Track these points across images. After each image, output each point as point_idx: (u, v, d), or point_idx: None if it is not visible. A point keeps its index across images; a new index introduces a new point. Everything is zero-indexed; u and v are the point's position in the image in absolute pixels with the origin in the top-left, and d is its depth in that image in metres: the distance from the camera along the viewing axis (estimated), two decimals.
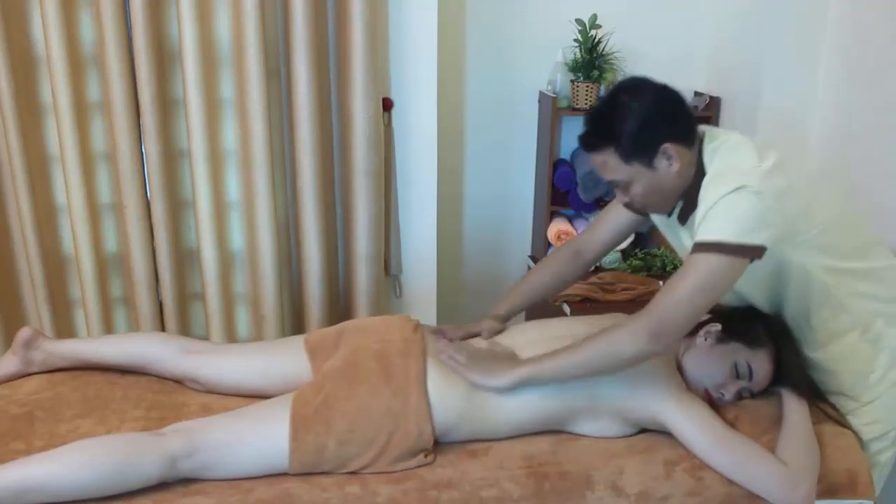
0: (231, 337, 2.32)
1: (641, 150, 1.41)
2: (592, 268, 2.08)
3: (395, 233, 2.39)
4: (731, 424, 1.48)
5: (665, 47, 2.84)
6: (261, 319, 2.27)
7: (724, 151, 1.43)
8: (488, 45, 2.81)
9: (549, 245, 2.80)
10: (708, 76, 2.85)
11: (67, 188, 2.10)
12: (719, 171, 1.40)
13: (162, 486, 1.35)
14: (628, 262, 2.80)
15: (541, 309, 1.91)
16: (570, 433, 1.53)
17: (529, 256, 3.03)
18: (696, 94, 2.77)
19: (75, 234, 2.15)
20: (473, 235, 3.04)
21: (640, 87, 1.44)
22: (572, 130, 2.86)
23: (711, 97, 2.74)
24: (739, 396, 1.55)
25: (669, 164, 1.42)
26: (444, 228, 2.77)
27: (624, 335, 1.37)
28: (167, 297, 2.24)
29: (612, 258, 2.79)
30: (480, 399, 1.48)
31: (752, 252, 1.33)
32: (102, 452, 1.32)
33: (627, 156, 1.41)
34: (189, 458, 1.35)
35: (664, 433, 1.49)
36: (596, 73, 2.66)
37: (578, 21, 2.63)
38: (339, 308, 2.41)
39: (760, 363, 1.53)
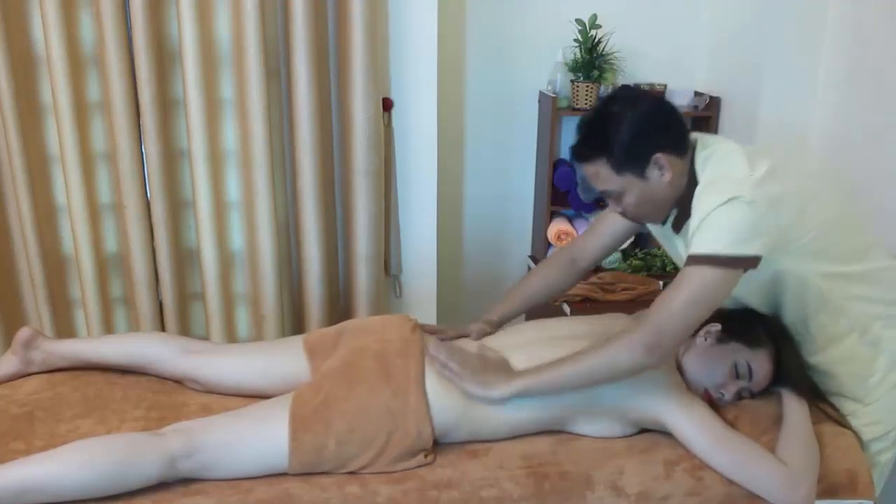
0: (231, 337, 2.32)
1: (633, 160, 1.41)
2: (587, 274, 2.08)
3: (395, 233, 2.39)
4: (731, 424, 1.48)
5: (665, 47, 2.84)
6: (261, 319, 2.27)
7: (715, 160, 1.43)
8: (488, 45, 2.81)
9: (549, 245, 2.80)
10: (708, 76, 2.85)
11: (67, 188, 2.10)
12: (711, 179, 1.40)
13: (162, 486, 1.35)
14: (628, 261, 2.80)
15: (541, 309, 1.90)
16: (570, 433, 1.53)
17: (529, 256, 3.03)
18: (696, 94, 2.76)
19: (75, 234, 2.15)
20: (473, 235, 3.04)
21: (631, 98, 1.44)
22: (572, 130, 2.83)
23: (711, 97, 2.74)
24: (739, 396, 1.55)
25: (661, 174, 1.42)
26: (444, 228, 2.77)
27: (620, 348, 1.38)
28: (167, 297, 2.24)
29: (613, 258, 2.79)
30: None
31: (746, 263, 1.34)
32: (102, 452, 1.32)
33: (619, 166, 1.41)
34: (189, 458, 1.35)
35: (664, 433, 1.49)
36: (596, 73, 2.65)
37: (578, 21, 2.63)
38: (339, 308, 2.41)
39: (760, 363, 1.53)
